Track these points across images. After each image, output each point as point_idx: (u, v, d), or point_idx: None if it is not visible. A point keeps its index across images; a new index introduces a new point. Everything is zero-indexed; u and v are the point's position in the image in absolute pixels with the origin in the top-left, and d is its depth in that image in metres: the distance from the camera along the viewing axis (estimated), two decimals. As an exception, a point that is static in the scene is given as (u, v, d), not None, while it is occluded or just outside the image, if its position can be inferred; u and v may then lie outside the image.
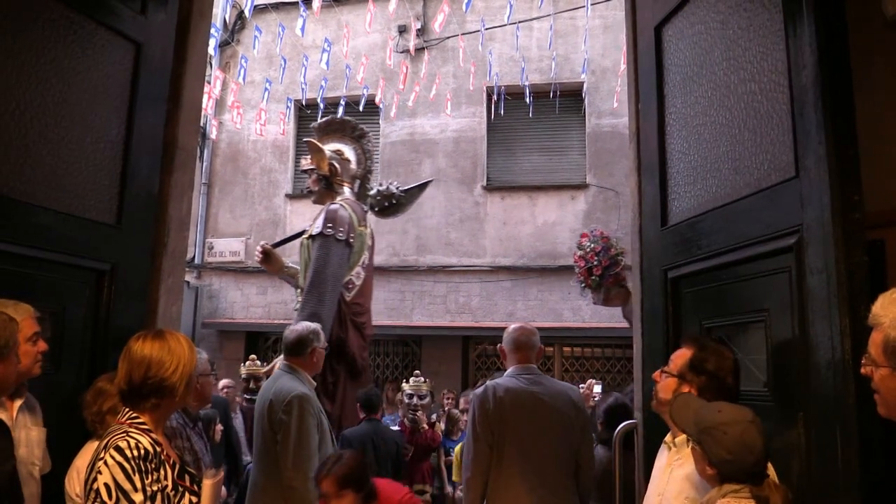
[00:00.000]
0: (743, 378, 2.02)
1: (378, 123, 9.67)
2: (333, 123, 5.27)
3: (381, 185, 5.38)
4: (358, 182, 5.13)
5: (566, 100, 9.08)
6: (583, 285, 4.81)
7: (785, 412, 1.75)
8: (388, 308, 9.24)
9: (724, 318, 2.08)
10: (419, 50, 9.41)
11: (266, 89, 8.53)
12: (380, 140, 9.74)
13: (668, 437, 1.87)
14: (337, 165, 4.92)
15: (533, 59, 9.20)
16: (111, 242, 2.41)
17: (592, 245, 4.73)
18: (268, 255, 4.96)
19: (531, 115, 8.85)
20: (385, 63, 8.87)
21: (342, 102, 8.52)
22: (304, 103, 9.30)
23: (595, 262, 4.63)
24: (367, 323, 4.78)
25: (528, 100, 8.60)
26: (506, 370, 3.02)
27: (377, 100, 8.77)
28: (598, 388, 4.47)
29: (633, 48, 2.73)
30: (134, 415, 1.68)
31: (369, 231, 4.94)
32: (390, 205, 5.32)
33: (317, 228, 4.60)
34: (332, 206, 4.69)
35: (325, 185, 4.90)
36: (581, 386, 4.35)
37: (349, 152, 5.08)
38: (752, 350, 1.97)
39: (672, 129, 2.42)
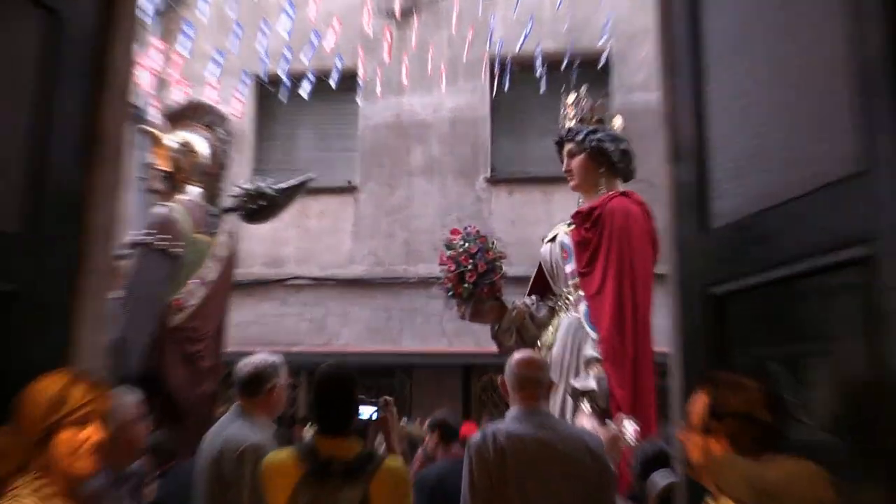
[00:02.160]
0: (802, 417, 2.01)
1: (356, 103, 9.67)
2: (187, 108, 5.35)
3: (248, 183, 5.43)
4: (210, 179, 5.16)
5: (586, 71, 9.09)
6: (450, 293, 4.56)
7: (857, 461, 1.73)
8: (371, 330, 9.21)
9: (779, 346, 2.06)
10: (406, 13, 9.42)
11: (217, 62, 8.53)
12: (359, 123, 9.75)
13: (709, 499, 1.86)
14: (182, 159, 4.96)
15: (545, 22, 9.21)
16: (18, 257, 2.39)
17: (467, 245, 4.52)
18: None
19: (543, 91, 8.86)
20: (363, 30, 8.88)
21: (310, 76, 8.52)
22: (265, 78, 9.29)
23: (469, 267, 4.42)
24: (204, 352, 4.75)
25: (539, 72, 8.60)
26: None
27: (361, 74, 8.77)
28: (629, 428, 4.22)
29: (665, 9, 2.73)
30: (38, 474, 1.74)
31: (222, 238, 4.99)
32: (260, 207, 5.32)
33: (134, 236, 4.61)
34: (158, 210, 4.72)
35: (170, 184, 4.94)
36: (608, 422, 4.22)
37: (200, 144, 5.11)
38: (816, 384, 1.95)
39: (714, 109, 2.40)
